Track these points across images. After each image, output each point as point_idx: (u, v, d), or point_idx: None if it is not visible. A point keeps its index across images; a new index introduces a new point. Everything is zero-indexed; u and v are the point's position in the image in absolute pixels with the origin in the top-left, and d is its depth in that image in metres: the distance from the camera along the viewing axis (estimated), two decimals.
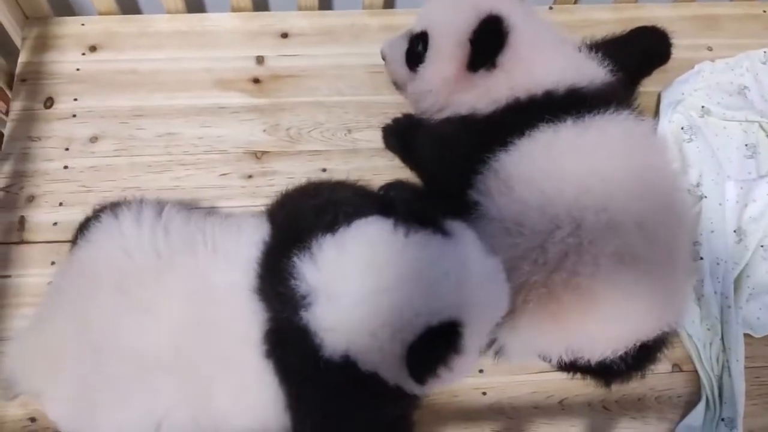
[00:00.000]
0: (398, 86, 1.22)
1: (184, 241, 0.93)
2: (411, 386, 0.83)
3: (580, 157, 0.96)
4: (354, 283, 0.80)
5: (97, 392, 0.86)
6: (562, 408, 1.08)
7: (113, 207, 0.97)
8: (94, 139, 1.22)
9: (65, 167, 1.19)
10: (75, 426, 0.89)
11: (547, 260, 0.93)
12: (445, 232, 0.83)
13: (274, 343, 0.84)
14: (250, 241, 0.91)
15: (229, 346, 0.86)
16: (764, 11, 1.46)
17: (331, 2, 1.44)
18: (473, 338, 0.82)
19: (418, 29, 1.10)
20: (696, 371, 1.10)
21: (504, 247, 0.95)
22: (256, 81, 1.30)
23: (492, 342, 1.02)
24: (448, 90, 1.06)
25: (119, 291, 0.88)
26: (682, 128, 1.25)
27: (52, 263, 1.11)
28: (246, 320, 0.85)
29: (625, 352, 0.96)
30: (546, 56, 1.03)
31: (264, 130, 1.25)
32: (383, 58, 1.20)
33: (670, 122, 1.26)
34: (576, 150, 0.97)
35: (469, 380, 1.07)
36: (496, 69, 1.02)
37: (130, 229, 0.93)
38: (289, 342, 0.84)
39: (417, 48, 1.10)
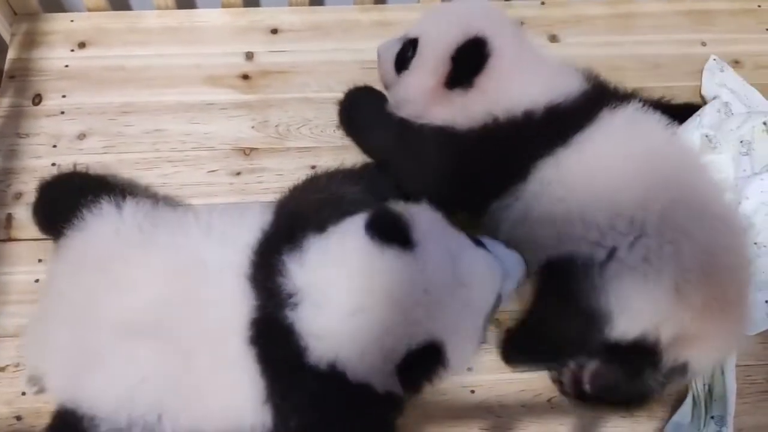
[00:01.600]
0: (386, 87, 1.19)
1: (173, 222, 0.94)
2: (402, 392, 0.86)
3: (608, 172, 0.98)
4: (340, 297, 0.82)
5: (79, 360, 0.87)
6: (550, 406, 1.07)
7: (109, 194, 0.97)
8: (82, 136, 1.22)
9: (53, 164, 1.19)
10: (66, 394, 0.90)
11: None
12: (413, 243, 0.84)
13: (258, 332, 0.84)
14: (251, 226, 0.91)
15: (212, 324, 0.86)
16: (759, 6, 1.44)
17: None
18: (458, 348, 0.85)
19: (413, 35, 1.10)
20: None
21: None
22: (246, 77, 1.29)
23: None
24: (425, 101, 1.06)
25: (100, 271, 0.90)
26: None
27: (39, 260, 1.10)
28: (233, 303, 0.85)
29: None
30: (524, 77, 1.04)
31: (252, 127, 1.24)
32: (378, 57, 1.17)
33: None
34: (599, 166, 0.99)
35: (457, 378, 1.06)
36: (473, 88, 1.03)
37: (127, 212, 0.94)
38: (273, 336, 0.84)
39: (407, 53, 1.09)
